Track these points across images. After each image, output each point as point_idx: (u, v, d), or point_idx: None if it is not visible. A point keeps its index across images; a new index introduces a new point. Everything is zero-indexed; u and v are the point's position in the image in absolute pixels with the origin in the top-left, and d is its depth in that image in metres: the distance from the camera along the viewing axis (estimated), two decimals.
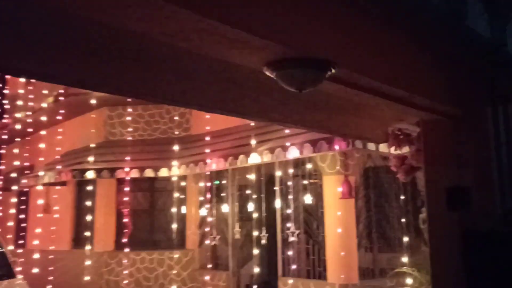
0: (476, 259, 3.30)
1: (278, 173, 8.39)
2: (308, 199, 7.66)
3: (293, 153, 7.24)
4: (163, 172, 9.60)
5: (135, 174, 9.56)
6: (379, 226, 8.39)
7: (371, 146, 6.65)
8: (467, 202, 3.43)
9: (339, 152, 7.39)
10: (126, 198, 10.15)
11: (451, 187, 3.53)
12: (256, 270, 8.36)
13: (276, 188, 8.45)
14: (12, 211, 12.17)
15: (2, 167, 13.53)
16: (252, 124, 8.10)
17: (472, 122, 3.44)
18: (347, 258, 7.52)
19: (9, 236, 12.78)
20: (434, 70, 3.06)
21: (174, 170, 9.50)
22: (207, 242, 9.72)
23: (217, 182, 10.11)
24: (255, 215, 8.63)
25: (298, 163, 8.54)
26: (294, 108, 3.71)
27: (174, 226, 9.94)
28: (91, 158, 9.74)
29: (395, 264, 7.88)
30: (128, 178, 9.64)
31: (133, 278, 10.25)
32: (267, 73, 2.32)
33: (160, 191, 10.97)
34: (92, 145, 10.15)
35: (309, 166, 8.18)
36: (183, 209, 10.33)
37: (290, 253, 8.06)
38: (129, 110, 10.66)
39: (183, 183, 10.50)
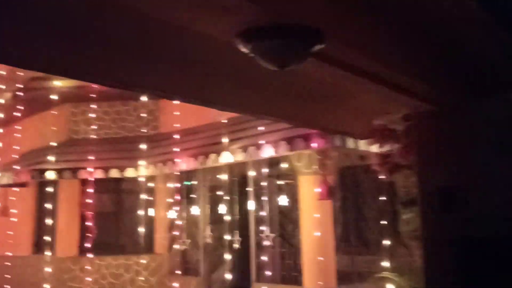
0: (474, 267, 2.94)
1: (252, 173, 7.95)
2: (283, 200, 7.26)
3: (268, 151, 6.83)
4: (130, 173, 9.04)
5: (99, 174, 8.96)
6: (357, 228, 8.05)
7: (350, 143, 6.29)
8: (463, 203, 3.07)
9: (316, 150, 7.01)
10: (89, 200, 9.53)
11: (444, 187, 3.17)
12: (228, 276, 7.89)
13: (250, 189, 8.01)
14: None
15: None
16: (225, 121, 7.65)
17: (470, 114, 3.09)
18: (324, 262, 7.15)
19: None
20: (434, 53, 2.69)
21: (142, 170, 8.95)
22: (177, 246, 9.21)
23: (187, 182, 9.62)
24: (227, 217, 8.18)
25: (273, 163, 8.14)
26: (265, 95, 3.28)
27: (142, 229, 9.38)
28: (51, 158, 9.08)
29: (374, 267, 7.56)
30: (92, 179, 9.03)
31: (97, 285, 9.64)
32: (240, 47, 1.89)
33: (127, 193, 10.38)
34: (53, 144, 9.48)
35: (284, 165, 7.79)
36: (151, 212, 9.78)
37: (264, 257, 7.64)
38: (94, 106, 10.04)
39: (151, 184, 9.96)
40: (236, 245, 7.54)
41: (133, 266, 9.81)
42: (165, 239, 9.83)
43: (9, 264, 10.08)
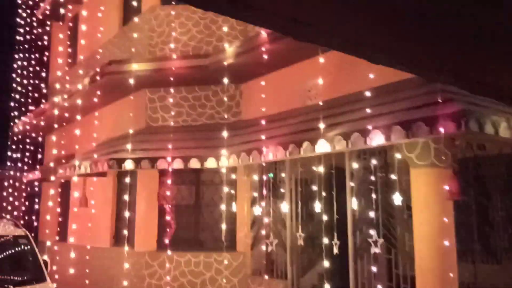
0: None
1: (352, 165, 6.76)
2: (396, 198, 6.01)
3: (377, 139, 5.60)
4: (211, 163, 8.19)
5: (178, 164, 8.20)
6: (481, 233, 6.62)
7: (489, 128, 4.90)
8: None
9: (434, 138, 5.68)
10: (168, 193, 8.85)
11: None
12: (323, 283, 6.79)
13: (350, 184, 6.84)
14: (50, 203, 11.21)
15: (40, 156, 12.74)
16: (320, 103, 6.51)
17: None
18: (443, 273, 5.83)
19: (47, 231, 11.90)
20: None
21: (223, 161, 8.06)
22: (263, 247, 8.27)
23: (271, 175, 8.60)
24: (321, 216, 7.06)
25: (376, 153, 6.91)
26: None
27: (223, 225, 8.53)
28: (129, 146, 8.48)
29: (502, 279, 6.14)
30: (170, 169, 8.30)
31: (177, 283, 8.97)
32: None
33: (207, 185, 9.61)
34: (131, 132, 8.90)
35: (391, 156, 6.52)
36: (233, 206, 8.91)
37: (367, 265, 6.45)
38: (172, 91, 9.33)
39: (233, 176, 9.10)
40: (335, 250, 6.38)
41: (213, 264, 9.02)
42: (248, 236, 8.93)
43: (88, 256, 9.73)
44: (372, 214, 6.48)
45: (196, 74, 8.91)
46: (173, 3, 9.52)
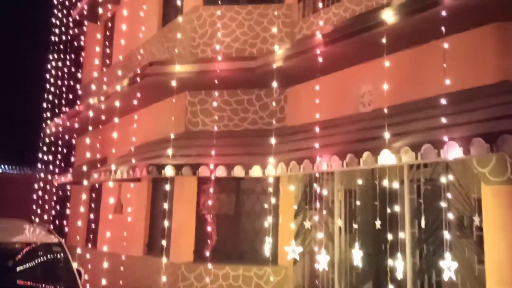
0: None
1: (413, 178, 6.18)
2: (476, 218, 5.41)
3: (453, 152, 5.02)
4: (256, 171, 7.70)
5: (221, 172, 7.74)
6: None
7: None
8: None
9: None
10: (208, 201, 8.39)
11: None
12: None
13: (407, 197, 6.26)
14: (82, 209, 10.88)
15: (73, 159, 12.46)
16: (385, 110, 5.97)
17: None
18: None
19: (78, 237, 11.58)
20: None
21: (270, 169, 7.56)
22: (307, 261, 7.73)
23: (316, 185, 8.07)
24: (374, 233, 6.50)
25: (438, 167, 6.35)
26: None
27: (265, 237, 8.01)
28: (169, 151, 8.06)
29: None
30: (213, 177, 7.84)
31: None
32: None
33: (247, 194, 9.13)
34: (171, 136, 8.49)
35: (456, 170, 5.93)
36: (275, 217, 8.39)
37: None
38: (215, 94, 8.90)
39: (275, 185, 8.59)
40: (399, 274, 5.78)
41: (253, 278, 8.51)
42: (291, 250, 8.38)
43: (121, 265, 9.33)
44: (438, 234, 5.90)
45: (240, 77, 8.47)
46: (219, 2, 9.11)
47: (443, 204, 5.98)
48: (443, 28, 5.53)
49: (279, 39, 8.93)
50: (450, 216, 5.97)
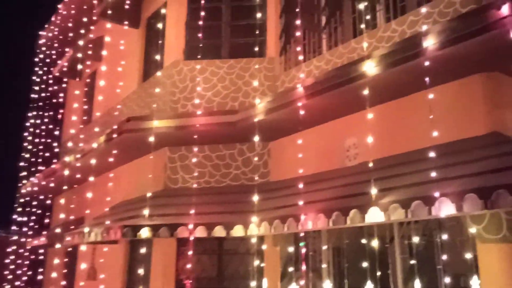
0: None
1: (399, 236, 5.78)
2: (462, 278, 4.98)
3: (446, 209, 4.66)
4: (238, 231, 7.23)
5: (201, 233, 7.25)
6: None
7: None
8: None
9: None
10: (189, 265, 7.83)
11: None
12: None
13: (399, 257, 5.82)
14: (54, 274, 10.16)
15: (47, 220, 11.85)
16: (370, 164, 5.65)
17: None
18: None
19: None
20: None
21: (253, 229, 7.10)
22: None
23: (302, 243, 7.61)
24: None
25: (430, 225, 5.98)
26: None
27: None
28: (146, 212, 7.59)
29: None
30: (192, 237, 7.34)
31: None
32: None
33: (230, 254, 8.59)
34: (148, 195, 8.04)
35: (450, 228, 5.55)
36: (260, 280, 7.83)
37: None
38: (196, 150, 8.56)
39: (260, 245, 8.09)
40: None
41: None
42: None
43: None
44: None
45: (222, 131, 8.17)
46: (200, 56, 8.97)
47: (438, 266, 5.55)
48: (427, 79, 5.34)
49: (261, 92, 8.75)
50: (447, 280, 5.53)
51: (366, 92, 5.90)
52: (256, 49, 9.15)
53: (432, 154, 5.23)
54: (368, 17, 7.47)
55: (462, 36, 4.97)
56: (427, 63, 5.27)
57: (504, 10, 4.38)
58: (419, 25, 6.50)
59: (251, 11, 9.41)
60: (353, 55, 7.40)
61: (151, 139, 8.00)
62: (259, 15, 9.13)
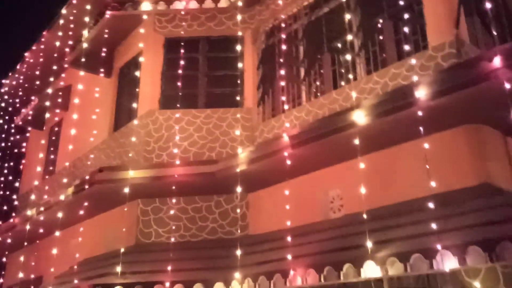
0: None
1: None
2: None
3: (448, 262, 4.51)
4: None
5: None
6: None
7: None
8: None
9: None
10: None
11: None
12: None
13: None
14: None
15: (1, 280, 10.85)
16: (364, 216, 5.47)
17: None
18: None
19: None
20: None
21: (235, 286, 6.68)
22: None
23: None
24: None
25: (418, 278, 5.78)
26: None
27: None
28: (118, 269, 7.04)
29: None
30: None
31: None
32: None
33: None
34: (120, 250, 7.51)
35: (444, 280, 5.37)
36: None
37: None
38: (170, 202, 8.16)
39: None
40: None
41: None
42: None
43: None
44: None
45: (199, 182, 7.86)
46: (177, 105, 8.77)
47: None
48: (417, 129, 5.33)
49: (239, 142, 8.57)
50: None
51: (353, 142, 5.84)
52: (234, 99, 9.07)
53: (426, 205, 5.13)
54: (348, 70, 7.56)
55: (451, 87, 5.03)
56: (417, 113, 5.28)
57: (496, 62, 4.47)
58: (401, 77, 6.61)
59: (228, 61, 9.40)
60: (335, 106, 7.41)
61: (126, 190, 7.57)
62: (237, 65, 9.12)
